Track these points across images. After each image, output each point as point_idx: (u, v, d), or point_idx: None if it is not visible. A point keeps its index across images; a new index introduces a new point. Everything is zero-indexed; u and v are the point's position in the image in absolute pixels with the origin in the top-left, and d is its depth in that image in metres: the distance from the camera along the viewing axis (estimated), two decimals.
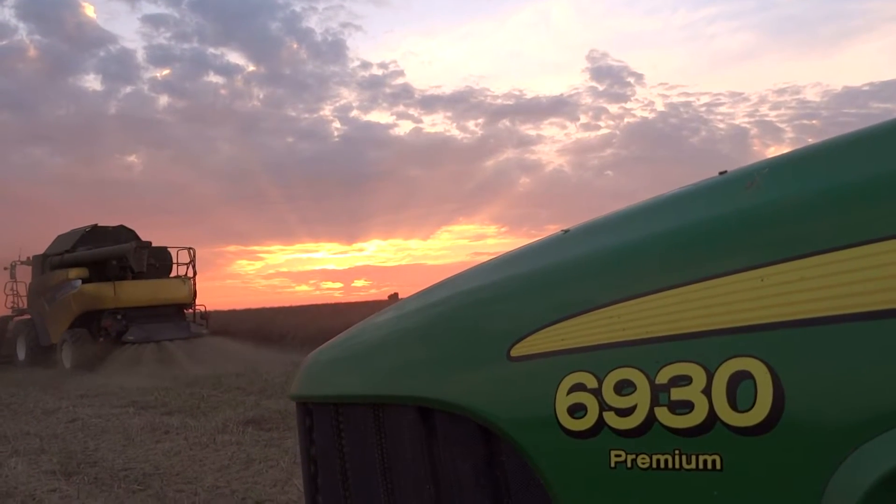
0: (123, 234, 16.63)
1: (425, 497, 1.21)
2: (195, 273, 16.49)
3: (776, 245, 0.95)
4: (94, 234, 16.40)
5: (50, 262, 16.40)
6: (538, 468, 1.07)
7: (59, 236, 17.23)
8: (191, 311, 16.54)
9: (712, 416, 0.91)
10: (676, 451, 0.94)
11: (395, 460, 1.26)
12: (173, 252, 16.61)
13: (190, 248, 16.58)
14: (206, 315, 16.79)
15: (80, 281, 15.41)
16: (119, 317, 15.10)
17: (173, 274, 16.62)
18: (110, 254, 15.59)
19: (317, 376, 1.44)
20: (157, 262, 16.05)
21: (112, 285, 15.14)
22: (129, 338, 14.79)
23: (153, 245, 16.01)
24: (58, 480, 5.20)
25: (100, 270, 15.61)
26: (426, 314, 1.33)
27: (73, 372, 13.98)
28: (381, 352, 1.35)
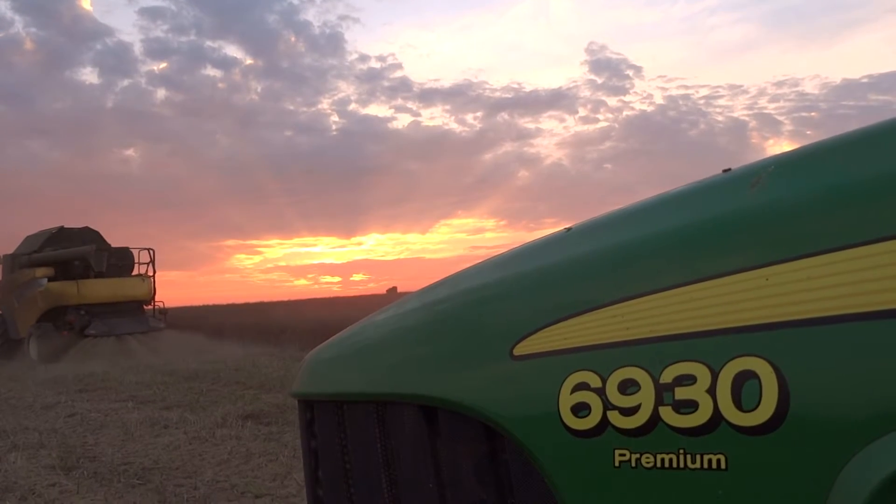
0: (88, 235, 18.17)
1: (427, 494, 1.21)
2: (154, 272, 18.19)
3: (781, 244, 0.94)
4: (61, 236, 17.91)
5: (19, 262, 17.82)
6: (541, 467, 1.07)
7: (27, 237, 18.77)
8: (150, 307, 18.12)
9: (717, 415, 0.91)
10: (681, 451, 0.94)
11: (397, 457, 1.26)
12: (135, 252, 18.23)
13: (150, 249, 18.32)
14: (164, 311, 18.39)
15: (46, 279, 16.83)
16: (82, 312, 16.54)
17: (135, 272, 18.16)
18: (73, 255, 17.10)
19: (319, 374, 1.44)
20: (119, 261, 17.65)
21: (75, 283, 16.64)
22: (91, 331, 16.24)
23: (116, 246, 17.79)
24: (57, 475, 5.21)
25: (64, 270, 17.09)
26: (428, 312, 1.33)
27: (39, 363, 15.21)
28: (383, 350, 1.35)
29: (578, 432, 1.02)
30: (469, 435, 1.17)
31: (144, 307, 17.92)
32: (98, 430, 6.94)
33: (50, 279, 16.77)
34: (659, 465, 0.95)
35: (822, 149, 1.09)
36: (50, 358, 15.11)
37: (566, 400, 1.03)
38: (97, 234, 18.33)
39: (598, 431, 1.00)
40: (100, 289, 16.85)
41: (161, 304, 18.38)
